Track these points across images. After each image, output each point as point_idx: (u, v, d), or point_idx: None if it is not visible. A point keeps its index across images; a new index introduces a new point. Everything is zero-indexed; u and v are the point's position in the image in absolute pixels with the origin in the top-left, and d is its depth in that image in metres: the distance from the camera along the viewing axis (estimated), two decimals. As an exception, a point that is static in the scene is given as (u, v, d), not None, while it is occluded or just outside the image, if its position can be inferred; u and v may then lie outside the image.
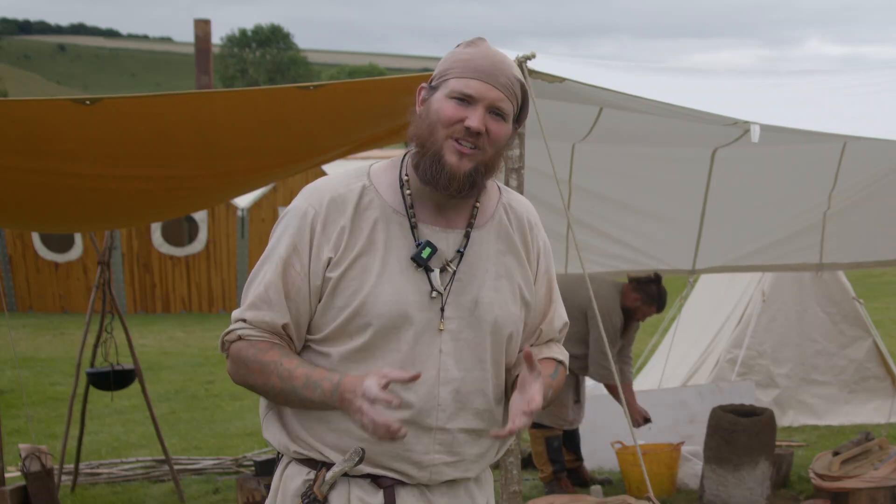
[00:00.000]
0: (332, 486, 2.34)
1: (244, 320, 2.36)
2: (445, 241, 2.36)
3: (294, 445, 2.38)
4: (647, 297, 6.77)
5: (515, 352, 2.45)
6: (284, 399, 2.33)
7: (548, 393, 2.38)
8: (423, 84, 2.38)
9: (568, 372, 2.54)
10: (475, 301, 2.36)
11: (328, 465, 2.34)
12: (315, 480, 2.34)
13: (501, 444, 2.48)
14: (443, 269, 2.35)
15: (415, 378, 2.20)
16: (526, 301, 2.44)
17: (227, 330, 2.39)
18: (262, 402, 2.47)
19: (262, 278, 2.35)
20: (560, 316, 2.52)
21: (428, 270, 2.33)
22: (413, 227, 2.34)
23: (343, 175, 2.41)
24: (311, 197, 2.36)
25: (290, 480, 2.40)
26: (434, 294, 2.33)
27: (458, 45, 2.39)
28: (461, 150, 2.29)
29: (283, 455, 2.45)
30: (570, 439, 7.09)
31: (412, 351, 2.31)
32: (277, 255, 2.35)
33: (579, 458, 7.11)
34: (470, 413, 2.36)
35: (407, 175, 2.37)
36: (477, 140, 2.29)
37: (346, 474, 2.33)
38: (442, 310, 2.33)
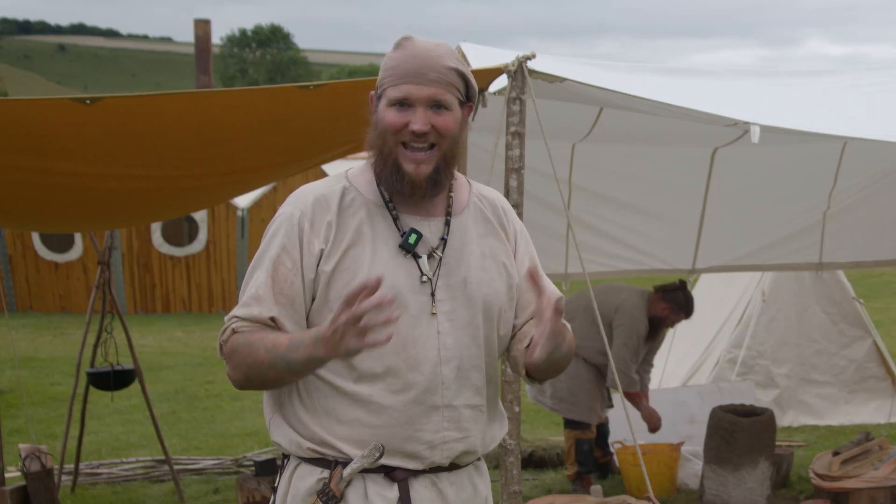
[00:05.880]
0: (349, 482, 2.38)
1: (235, 318, 2.41)
2: (428, 228, 2.45)
3: (307, 443, 2.41)
4: (675, 305, 6.88)
5: (506, 330, 2.53)
6: (274, 373, 2.32)
7: (563, 345, 2.39)
8: (372, 92, 2.46)
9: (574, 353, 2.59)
10: (464, 281, 2.45)
11: (343, 463, 2.39)
12: (331, 478, 2.39)
13: (499, 424, 2.57)
14: (430, 256, 2.44)
15: (378, 281, 2.16)
16: (511, 279, 2.52)
17: (221, 331, 2.43)
18: (267, 405, 2.51)
19: (254, 281, 2.41)
20: (553, 292, 2.56)
21: (416, 257, 2.42)
22: (395, 219, 2.43)
23: (323, 180, 2.50)
24: (295, 201, 2.45)
25: (300, 481, 2.43)
26: (424, 279, 2.41)
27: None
28: (416, 158, 2.37)
29: (288, 458, 2.48)
30: (600, 435, 7.16)
31: (410, 334, 2.38)
32: (268, 257, 2.41)
33: (608, 454, 7.18)
34: (471, 389, 2.46)
35: (379, 181, 2.46)
36: (426, 139, 2.37)
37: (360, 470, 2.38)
38: (433, 294, 2.42)
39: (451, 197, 2.50)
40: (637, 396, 6.85)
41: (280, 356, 2.29)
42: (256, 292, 2.39)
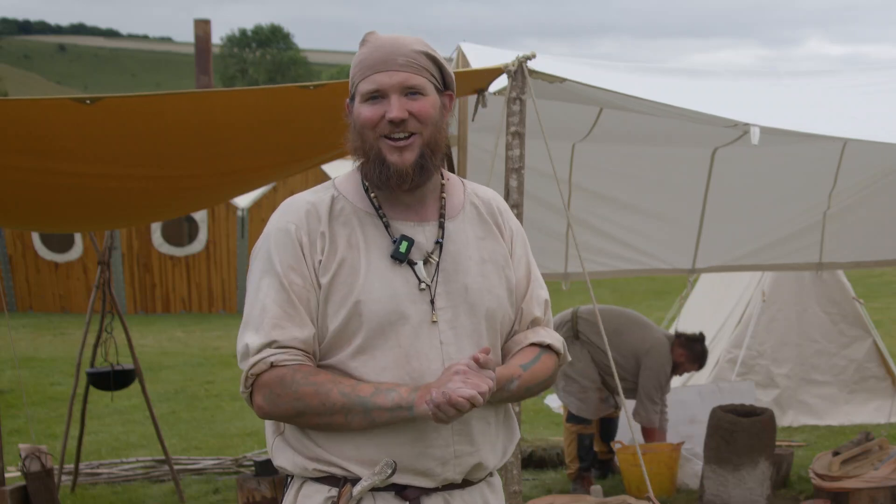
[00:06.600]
0: (358, 502, 2.29)
1: (271, 343, 2.29)
2: (422, 233, 2.37)
3: (313, 464, 2.33)
4: (691, 354, 7.04)
5: (507, 336, 2.46)
6: (343, 415, 2.25)
7: (510, 385, 2.34)
8: (347, 99, 2.42)
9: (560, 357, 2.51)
10: (465, 287, 2.36)
11: (352, 480, 2.30)
12: (339, 496, 2.30)
13: (509, 435, 2.48)
14: (426, 262, 2.35)
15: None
16: (512, 283, 2.44)
17: (251, 362, 2.29)
18: (268, 430, 2.43)
19: (270, 300, 2.30)
20: (539, 295, 2.50)
21: (412, 264, 2.34)
22: (387, 227, 2.36)
23: (309, 190, 2.43)
24: (287, 214, 2.37)
25: (307, 500, 2.34)
26: (423, 286, 2.33)
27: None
28: (398, 146, 2.31)
29: (293, 477, 2.39)
30: (607, 431, 7.21)
31: (413, 346, 2.30)
32: (275, 275, 2.31)
33: (611, 451, 7.21)
34: None
35: (366, 182, 2.40)
36: (406, 126, 2.31)
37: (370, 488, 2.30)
38: (432, 302, 2.33)
39: (443, 198, 2.42)
40: (652, 433, 6.98)
41: (360, 401, 2.24)
42: (282, 312, 2.29)
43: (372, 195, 2.38)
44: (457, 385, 2.18)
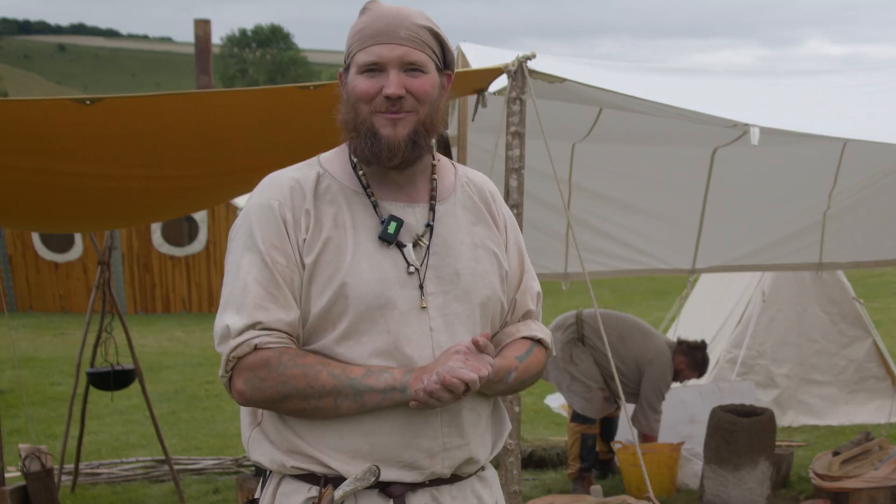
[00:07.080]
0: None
1: (255, 324, 2.16)
2: (412, 215, 2.26)
3: (291, 460, 2.21)
4: (692, 362, 7.06)
5: (499, 325, 2.37)
6: (333, 398, 2.14)
7: (507, 377, 2.26)
8: (341, 69, 2.30)
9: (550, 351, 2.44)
10: (456, 273, 2.26)
11: (333, 480, 2.18)
12: (320, 499, 2.18)
13: (500, 429, 2.39)
14: (415, 244, 2.24)
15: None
16: (504, 270, 2.34)
17: (233, 344, 2.16)
18: (244, 421, 2.31)
19: (252, 279, 2.17)
20: (532, 287, 2.41)
21: (400, 246, 2.23)
22: (375, 206, 2.24)
23: (293, 166, 2.32)
24: (270, 189, 2.25)
25: (286, 498, 2.22)
26: (411, 269, 2.22)
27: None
28: (393, 118, 2.20)
29: (271, 472, 2.27)
30: (607, 430, 7.23)
31: (402, 332, 2.19)
32: (257, 253, 2.19)
33: (611, 451, 7.21)
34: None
35: (355, 158, 2.29)
36: (403, 104, 2.20)
37: None
38: (421, 287, 2.22)
39: (434, 180, 2.31)
40: (651, 440, 7.00)
41: (350, 383, 2.13)
42: (265, 292, 2.16)
43: (360, 173, 2.27)
44: (457, 364, 2.11)
